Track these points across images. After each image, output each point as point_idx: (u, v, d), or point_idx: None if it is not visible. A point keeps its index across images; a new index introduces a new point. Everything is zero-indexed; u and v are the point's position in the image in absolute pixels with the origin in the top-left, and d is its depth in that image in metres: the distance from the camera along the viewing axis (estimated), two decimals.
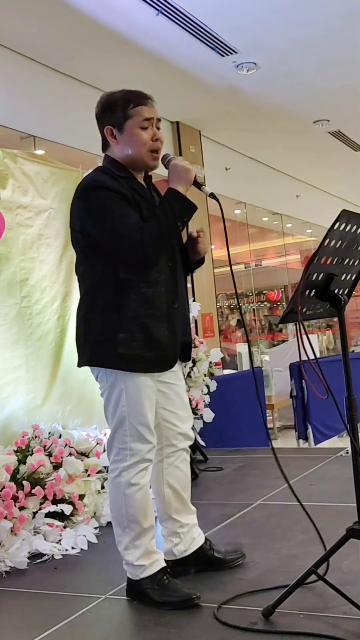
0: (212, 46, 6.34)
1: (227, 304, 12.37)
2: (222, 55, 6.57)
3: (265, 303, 13.78)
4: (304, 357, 2.35)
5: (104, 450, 4.04)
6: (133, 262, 2.57)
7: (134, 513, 2.62)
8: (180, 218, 2.59)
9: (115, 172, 2.67)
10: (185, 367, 4.79)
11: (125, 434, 2.63)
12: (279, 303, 13.65)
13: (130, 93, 2.71)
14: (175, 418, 2.81)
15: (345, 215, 2.30)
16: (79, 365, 2.75)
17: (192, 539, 2.88)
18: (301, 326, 2.34)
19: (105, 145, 2.78)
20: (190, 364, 3.22)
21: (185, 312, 2.81)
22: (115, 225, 2.55)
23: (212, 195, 2.68)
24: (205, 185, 2.73)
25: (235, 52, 6.54)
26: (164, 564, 2.70)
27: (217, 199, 2.65)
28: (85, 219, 2.63)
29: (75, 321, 2.76)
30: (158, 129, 2.73)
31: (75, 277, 4.29)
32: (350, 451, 2.39)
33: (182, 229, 2.63)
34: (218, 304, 8.82)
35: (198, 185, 2.71)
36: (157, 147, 2.70)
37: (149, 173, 2.82)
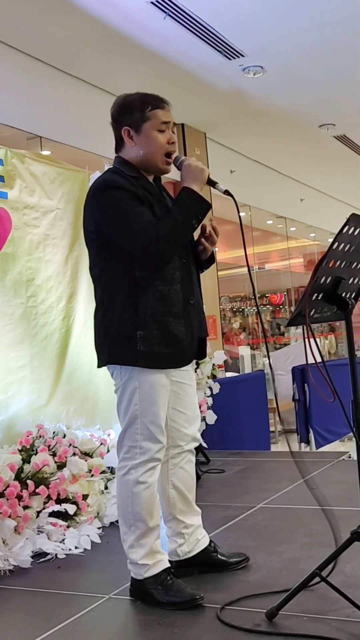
0: (219, 49, 6.35)
1: (230, 307, 12.38)
2: (229, 59, 6.58)
3: (268, 306, 13.79)
4: (311, 360, 2.36)
5: (108, 451, 4.06)
6: (148, 260, 2.60)
7: (140, 511, 2.64)
8: (195, 216, 2.63)
9: (125, 172, 2.69)
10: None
11: (137, 432, 2.64)
12: (281, 306, 13.65)
13: (148, 96, 2.73)
14: (183, 418, 2.82)
15: (354, 219, 2.31)
16: (99, 365, 2.75)
17: (197, 540, 2.89)
18: (309, 329, 2.35)
19: (118, 146, 2.80)
20: (194, 365, 3.21)
21: (200, 308, 2.83)
22: (130, 223, 2.57)
23: (227, 192, 2.70)
24: (219, 182, 2.74)
25: (242, 56, 6.56)
26: (168, 565, 2.70)
27: (232, 196, 2.68)
28: (100, 219, 2.65)
29: (93, 324, 2.76)
30: (173, 132, 2.75)
31: (81, 278, 4.37)
32: (352, 455, 2.40)
33: (196, 227, 2.66)
34: (221, 307, 8.83)
35: (212, 183, 2.74)
36: (172, 150, 2.73)
37: (159, 176, 2.85)
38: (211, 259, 2.90)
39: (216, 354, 5.49)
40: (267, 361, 9.68)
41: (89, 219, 2.71)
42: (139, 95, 2.74)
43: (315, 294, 2.40)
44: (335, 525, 2.68)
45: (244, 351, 10.16)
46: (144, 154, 2.71)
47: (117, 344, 2.64)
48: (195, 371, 5.17)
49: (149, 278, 2.62)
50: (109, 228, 2.63)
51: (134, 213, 2.58)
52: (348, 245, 2.38)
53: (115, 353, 2.66)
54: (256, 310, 12.52)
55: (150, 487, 2.65)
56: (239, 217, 2.74)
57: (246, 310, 12.54)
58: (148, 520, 2.64)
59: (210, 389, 5.43)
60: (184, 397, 2.81)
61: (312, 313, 2.42)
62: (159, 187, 2.83)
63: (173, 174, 2.88)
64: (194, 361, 2.87)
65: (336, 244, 2.32)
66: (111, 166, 2.81)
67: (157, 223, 2.59)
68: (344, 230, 2.30)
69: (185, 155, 8.31)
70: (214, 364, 5.51)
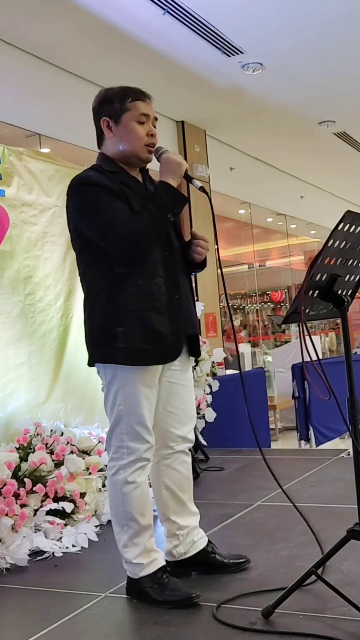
0: (218, 46, 6.34)
1: (230, 304, 12.38)
2: (228, 56, 6.57)
3: (269, 304, 13.79)
4: (307, 358, 2.35)
5: (106, 449, 4.05)
6: (125, 255, 2.57)
7: (131, 511, 2.62)
8: (171, 209, 2.60)
9: (105, 168, 2.68)
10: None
11: (123, 432, 2.62)
12: (282, 304, 13.65)
13: (129, 88, 2.72)
14: (174, 419, 2.78)
15: (350, 216, 2.30)
16: (88, 364, 2.74)
17: (192, 542, 2.85)
18: (304, 327, 2.34)
19: (100, 140, 2.78)
20: (193, 363, 3.21)
21: (189, 304, 2.77)
22: (105, 219, 2.55)
23: (202, 189, 2.67)
24: (194, 178, 2.72)
25: (242, 53, 6.55)
26: (164, 563, 2.69)
27: (207, 193, 2.66)
28: (77, 217, 2.65)
29: (83, 323, 2.75)
30: (154, 126, 2.73)
31: (79, 276, 4.35)
32: (351, 453, 2.39)
33: (172, 220, 2.63)
34: (221, 304, 8.83)
35: (189, 178, 2.70)
36: (152, 143, 2.71)
37: (146, 167, 2.82)
38: (202, 264, 2.84)
39: (215, 352, 5.48)
40: (267, 359, 9.70)
41: (69, 219, 2.70)
42: (120, 87, 2.73)
43: (311, 291, 2.39)
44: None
45: (244, 349, 10.15)
46: (123, 146, 2.69)
47: (99, 342, 2.64)
48: (195, 369, 5.18)
49: (129, 273, 2.59)
50: (85, 226, 2.62)
51: (108, 208, 2.56)
52: (344, 242, 2.37)
53: (98, 351, 2.65)
54: (255, 308, 12.50)
55: (140, 486, 2.63)
56: (212, 214, 2.69)
57: (246, 307, 12.54)
58: (140, 519, 2.63)
59: (210, 386, 5.42)
60: (175, 398, 2.77)
61: (307, 310, 2.41)
62: (144, 179, 2.80)
63: (155, 166, 2.85)
64: (188, 360, 2.82)
65: (331, 240, 2.31)
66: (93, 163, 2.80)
67: (132, 218, 2.56)
68: (340, 227, 2.29)
69: (185, 153, 8.32)
70: (213, 362, 5.51)
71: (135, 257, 2.58)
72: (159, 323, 2.59)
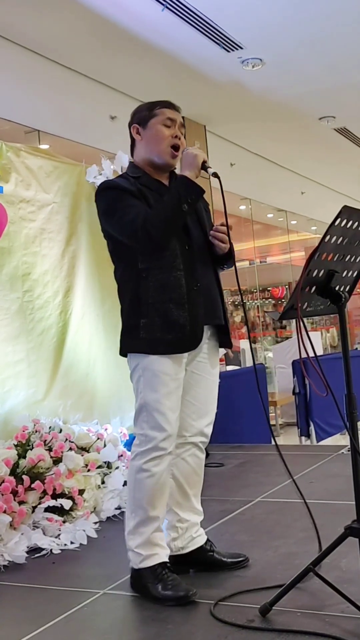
0: (217, 42, 6.32)
1: (231, 300, 12.36)
2: (228, 51, 6.55)
3: (270, 300, 13.77)
4: (304, 354, 2.34)
5: (104, 446, 4.05)
6: (141, 245, 2.67)
7: (140, 499, 2.66)
8: (184, 200, 2.66)
9: (129, 174, 2.84)
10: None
11: (144, 419, 2.68)
12: (283, 300, 13.63)
13: (160, 100, 2.89)
14: (192, 409, 2.82)
15: (347, 212, 2.28)
16: (120, 354, 2.85)
17: (191, 537, 2.86)
18: (301, 323, 2.33)
19: (132, 149, 2.94)
20: (221, 354, 3.21)
21: (212, 295, 2.82)
22: (121, 215, 2.68)
23: (215, 175, 2.71)
24: (210, 167, 2.76)
25: (241, 48, 6.52)
26: (165, 559, 2.68)
27: (219, 178, 2.68)
28: (101, 220, 2.81)
29: None
30: (181, 133, 2.86)
31: (78, 272, 4.38)
32: (350, 449, 2.38)
33: (187, 210, 2.68)
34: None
35: (205, 168, 2.76)
36: (176, 144, 2.81)
37: (174, 170, 2.90)
38: (228, 257, 2.86)
39: None
40: (269, 355, 9.68)
41: (100, 222, 2.84)
42: (153, 101, 2.90)
43: (308, 287, 2.38)
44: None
45: (245, 345, 10.13)
46: (149, 148, 2.82)
47: (126, 334, 2.77)
48: None
49: (150, 268, 2.70)
50: (108, 226, 2.77)
51: (123, 206, 2.69)
52: (341, 238, 2.36)
53: (125, 342, 2.78)
54: (256, 304, 12.49)
55: (153, 476, 2.65)
56: (224, 202, 2.72)
57: (247, 303, 12.52)
58: (148, 509, 2.65)
59: None
60: (195, 388, 2.83)
61: (305, 307, 2.40)
62: (171, 180, 2.87)
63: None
64: (216, 354, 2.89)
65: (328, 236, 2.29)
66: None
67: (145, 210, 2.67)
68: (337, 223, 2.28)
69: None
70: None
71: (151, 247, 2.67)
72: (177, 314, 2.68)
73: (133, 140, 2.91)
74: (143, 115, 2.85)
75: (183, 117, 2.92)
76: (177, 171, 2.85)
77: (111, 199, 2.74)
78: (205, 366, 2.85)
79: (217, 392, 2.93)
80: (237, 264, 2.91)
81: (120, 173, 4.35)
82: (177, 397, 2.71)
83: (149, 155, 2.83)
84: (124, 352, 2.79)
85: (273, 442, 2.82)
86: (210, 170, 2.74)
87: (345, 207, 2.27)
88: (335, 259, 2.39)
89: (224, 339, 2.90)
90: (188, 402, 2.81)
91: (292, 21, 6.06)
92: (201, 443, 2.89)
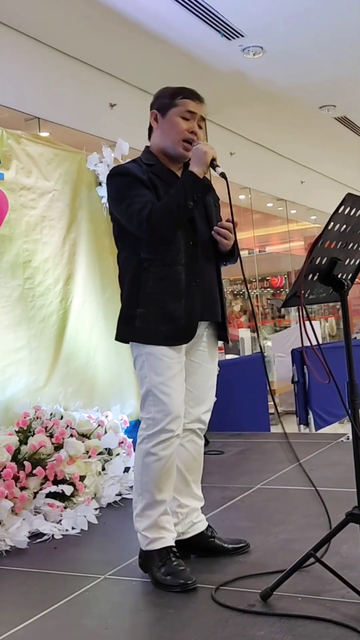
0: (218, 29, 6.31)
1: (230, 290, 12.36)
2: (229, 39, 6.54)
3: (269, 289, 13.76)
4: (306, 342, 2.35)
5: (105, 432, 4.07)
6: (146, 237, 2.67)
7: (148, 482, 2.68)
8: (190, 196, 2.65)
9: (143, 160, 2.81)
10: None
11: (151, 403, 2.69)
12: (282, 289, 13.63)
13: (184, 88, 2.83)
14: (189, 397, 2.83)
15: (350, 199, 2.29)
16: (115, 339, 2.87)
17: (192, 523, 2.89)
18: (304, 310, 2.34)
19: (149, 133, 2.90)
20: (216, 346, 3.21)
21: (212, 292, 2.83)
22: (129, 204, 2.67)
23: (223, 175, 2.70)
24: (219, 166, 2.74)
25: (242, 36, 6.51)
26: (171, 543, 2.70)
27: (226, 179, 2.67)
28: (110, 204, 2.82)
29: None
30: (200, 127, 2.81)
31: (79, 260, 4.38)
32: (350, 437, 2.39)
33: (192, 207, 2.67)
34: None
35: (213, 166, 2.74)
36: (190, 138, 2.77)
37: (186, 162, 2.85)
38: (231, 254, 2.88)
39: None
40: (267, 344, 9.70)
41: (108, 205, 2.89)
42: (178, 87, 2.84)
43: (311, 275, 2.38)
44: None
45: (244, 334, 10.15)
46: (163, 137, 2.80)
47: (123, 321, 2.78)
48: None
49: (152, 259, 2.71)
50: (116, 212, 2.77)
51: (132, 195, 2.68)
52: (344, 226, 2.36)
53: (122, 329, 2.79)
54: (255, 293, 12.50)
55: (161, 460, 2.67)
56: (230, 200, 2.72)
57: (246, 293, 12.50)
58: (155, 492, 2.67)
59: None
60: (193, 376, 2.85)
61: (307, 294, 2.40)
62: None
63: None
64: (215, 344, 2.93)
65: (332, 224, 2.29)
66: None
67: (153, 203, 2.65)
68: (340, 210, 2.28)
69: None
70: None
71: (155, 240, 2.67)
72: (173, 307, 2.69)
73: (151, 125, 2.88)
74: (164, 103, 2.80)
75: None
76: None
77: (121, 186, 2.73)
78: (204, 355, 2.88)
79: (215, 381, 2.95)
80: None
81: (121, 160, 4.35)
82: (181, 380, 2.73)
83: (163, 144, 2.81)
84: (119, 338, 2.81)
85: (281, 429, 2.83)
86: (219, 170, 2.72)
87: (349, 194, 2.28)
88: (338, 246, 2.40)
89: (221, 333, 2.93)
90: (186, 389, 2.81)
91: (293, 10, 6.04)
92: (199, 430, 2.91)
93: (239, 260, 2.87)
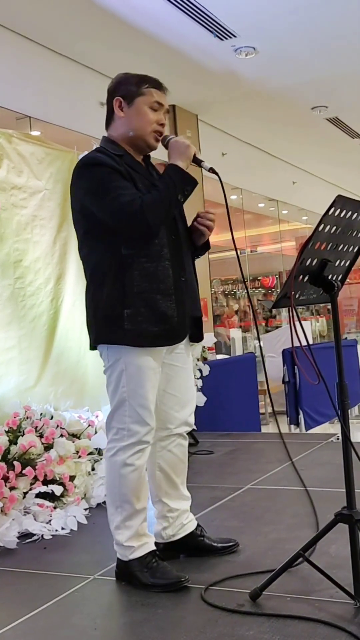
0: (211, 29, 6.31)
1: (221, 290, 12.38)
2: (221, 39, 6.54)
3: (260, 289, 13.79)
4: (296, 343, 2.36)
5: (96, 432, 4.06)
6: (134, 232, 2.56)
7: (127, 493, 2.63)
8: (181, 191, 2.61)
9: (110, 150, 2.68)
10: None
11: (125, 414, 2.62)
12: (273, 289, 13.66)
13: (148, 76, 2.74)
14: (173, 401, 2.78)
15: (340, 201, 2.29)
16: (90, 347, 2.73)
17: (182, 524, 2.87)
18: (294, 311, 2.34)
19: (108, 122, 2.78)
20: (189, 347, 3.17)
21: (194, 287, 2.80)
22: (115, 196, 2.54)
23: (212, 170, 2.68)
24: (204, 161, 2.73)
25: (235, 36, 6.51)
26: (154, 547, 2.70)
27: (217, 173, 2.65)
28: (85, 197, 2.62)
29: (85, 306, 2.73)
30: (165, 118, 2.75)
31: (69, 259, 4.36)
32: (340, 437, 2.40)
33: (182, 202, 2.65)
34: (212, 290, 8.82)
35: (198, 161, 2.71)
36: (159, 131, 2.72)
37: (149, 155, 2.82)
38: (205, 246, 2.87)
39: (206, 336, 5.48)
40: (258, 343, 9.70)
41: (75, 199, 2.68)
42: (140, 74, 2.75)
43: (301, 276, 2.39)
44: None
45: (235, 334, 10.16)
46: (132, 128, 2.70)
47: (106, 324, 2.62)
48: None
49: (135, 255, 2.59)
50: (93, 205, 2.59)
51: (116, 187, 2.55)
52: (334, 227, 2.37)
53: (104, 332, 2.64)
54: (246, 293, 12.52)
55: (137, 469, 2.64)
56: (224, 196, 2.71)
57: (238, 293, 12.54)
58: (135, 502, 2.64)
59: (200, 371, 5.43)
60: (175, 380, 2.78)
61: (297, 295, 2.41)
62: (147, 165, 2.81)
63: (161, 154, 2.85)
64: (190, 344, 2.84)
65: (322, 225, 2.30)
66: (98, 146, 2.78)
67: (143, 194, 2.56)
68: (330, 212, 2.29)
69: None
70: (204, 346, 5.51)
71: (144, 234, 2.56)
72: (165, 305, 2.61)
73: (111, 113, 2.75)
74: (130, 91, 2.69)
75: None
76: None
77: (100, 177, 2.57)
78: (182, 356, 2.80)
79: (193, 380, 2.91)
80: (227, 254, 2.94)
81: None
82: (156, 389, 2.68)
83: (132, 134, 2.70)
84: (100, 343, 2.66)
85: (271, 429, 2.84)
86: (206, 165, 2.70)
87: (339, 196, 2.28)
88: (328, 248, 2.40)
89: (197, 331, 2.82)
90: (169, 394, 2.77)
91: (286, 10, 6.05)
92: (185, 432, 2.88)
93: (239, 260, 2.85)
